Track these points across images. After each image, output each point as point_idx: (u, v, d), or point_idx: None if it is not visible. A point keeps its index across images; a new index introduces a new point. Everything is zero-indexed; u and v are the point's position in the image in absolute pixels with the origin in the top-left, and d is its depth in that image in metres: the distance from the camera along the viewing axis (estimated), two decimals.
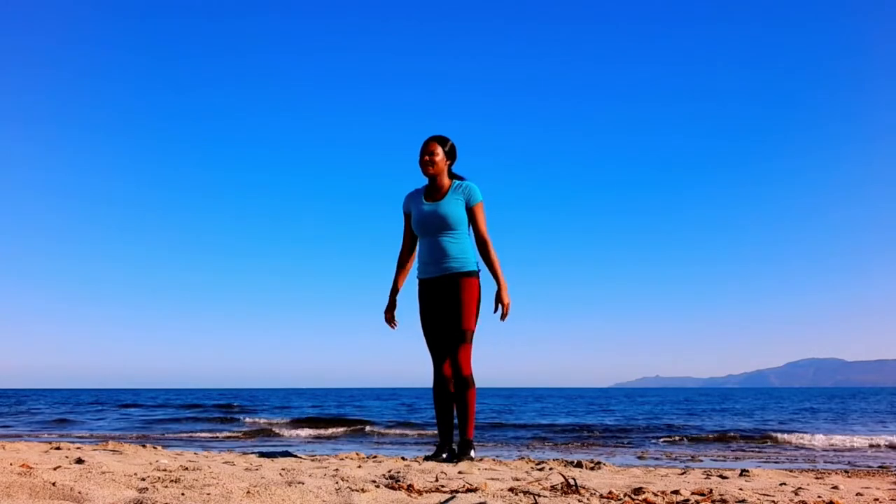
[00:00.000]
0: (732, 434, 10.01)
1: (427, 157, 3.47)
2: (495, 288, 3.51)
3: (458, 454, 3.45)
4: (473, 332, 3.47)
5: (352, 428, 12.02)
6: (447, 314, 3.46)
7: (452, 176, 3.57)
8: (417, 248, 3.64)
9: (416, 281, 3.63)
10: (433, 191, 3.54)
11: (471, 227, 3.53)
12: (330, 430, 11.41)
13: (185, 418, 15.33)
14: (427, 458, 3.49)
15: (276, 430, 11.33)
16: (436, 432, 3.61)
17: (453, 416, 3.59)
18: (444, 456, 3.48)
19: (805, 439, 9.16)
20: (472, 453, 3.49)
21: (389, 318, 3.68)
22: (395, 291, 3.69)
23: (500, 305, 3.48)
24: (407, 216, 3.64)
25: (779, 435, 9.63)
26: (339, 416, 15.42)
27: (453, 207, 3.45)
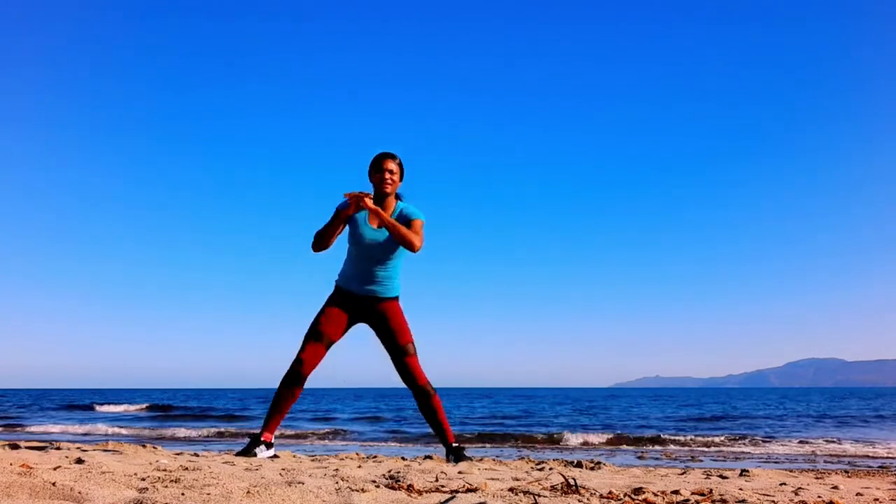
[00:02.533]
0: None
1: (387, 176, 3.39)
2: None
3: (457, 460, 3.41)
4: (413, 343, 3.48)
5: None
6: (388, 338, 3.45)
7: (396, 196, 3.50)
8: (348, 258, 3.51)
9: (333, 284, 3.55)
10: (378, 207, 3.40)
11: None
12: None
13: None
14: (239, 454, 3.35)
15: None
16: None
17: (286, 413, 3.48)
18: (256, 451, 3.34)
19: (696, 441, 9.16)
20: (466, 452, 3.51)
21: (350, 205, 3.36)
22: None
23: (363, 198, 3.31)
24: (340, 217, 3.42)
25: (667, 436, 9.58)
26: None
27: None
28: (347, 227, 3.50)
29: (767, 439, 9.41)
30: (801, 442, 9.02)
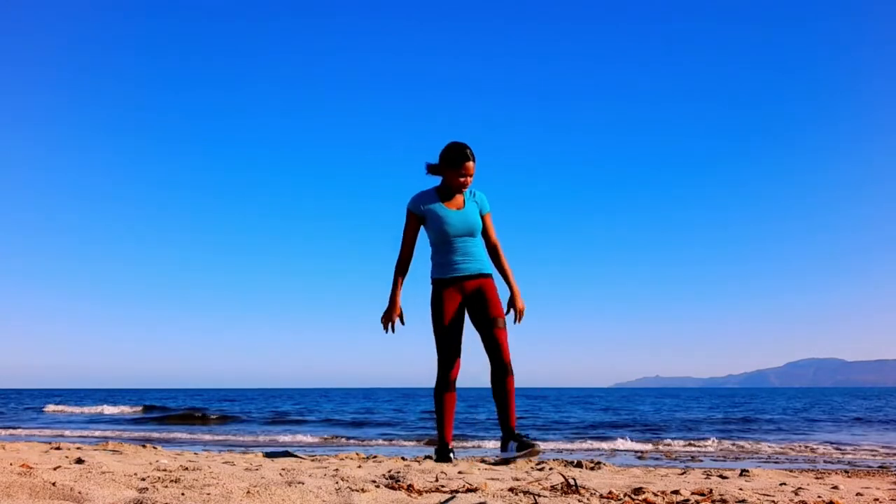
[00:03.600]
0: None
1: (466, 180, 3.54)
2: (508, 294, 3.67)
3: (521, 447, 3.39)
4: (504, 319, 3.57)
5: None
6: (482, 310, 3.55)
7: None
8: (440, 250, 3.62)
9: (430, 282, 3.65)
10: (450, 196, 3.61)
11: (484, 234, 3.69)
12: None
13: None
14: (437, 460, 3.54)
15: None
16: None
17: (453, 417, 3.62)
18: (450, 455, 3.54)
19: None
20: (528, 439, 3.43)
21: (391, 320, 3.62)
22: (397, 294, 3.66)
23: (513, 310, 3.64)
24: (415, 218, 3.61)
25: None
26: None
27: (475, 215, 3.60)
28: (426, 227, 3.62)
29: (765, 439, 9.40)
30: (801, 442, 9.02)
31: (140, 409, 20.47)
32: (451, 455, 3.56)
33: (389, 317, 3.62)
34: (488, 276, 3.63)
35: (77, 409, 20.28)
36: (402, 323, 3.67)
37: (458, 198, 3.60)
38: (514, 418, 3.52)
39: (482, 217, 3.63)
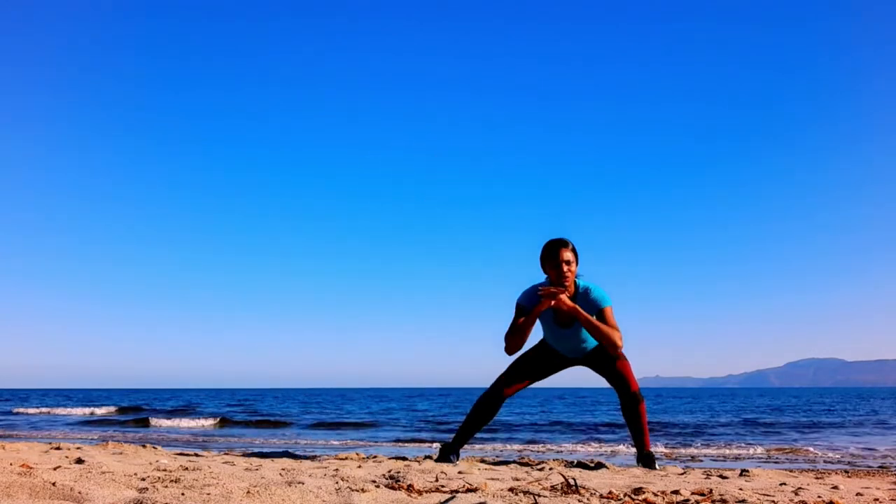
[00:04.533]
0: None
1: (565, 269, 3.27)
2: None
3: (647, 465, 3.42)
4: (622, 348, 3.35)
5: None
6: (597, 355, 3.52)
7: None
8: (547, 341, 3.60)
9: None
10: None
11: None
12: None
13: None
14: (437, 459, 3.56)
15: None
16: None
17: (476, 431, 3.60)
18: (452, 458, 3.53)
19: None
20: (656, 464, 3.46)
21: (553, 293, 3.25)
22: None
23: (556, 294, 3.24)
24: (521, 310, 3.39)
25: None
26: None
27: (583, 337, 3.45)
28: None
29: (764, 439, 9.41)
30: (801, 442, 9.01)
31: (114, 409, 19.15)
32: (452, 458, 3.55)
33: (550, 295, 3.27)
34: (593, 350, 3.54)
35: (46, 410, 19.32)
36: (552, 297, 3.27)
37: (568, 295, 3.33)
38: (647, 440, 3.54)
39: (599, 313, 3.32)
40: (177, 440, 8.85)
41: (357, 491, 1.99)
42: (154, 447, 4.17)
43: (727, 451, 7.46)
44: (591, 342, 3.49)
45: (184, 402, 25.64)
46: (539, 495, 2.01)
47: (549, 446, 8.27)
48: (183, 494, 1.77)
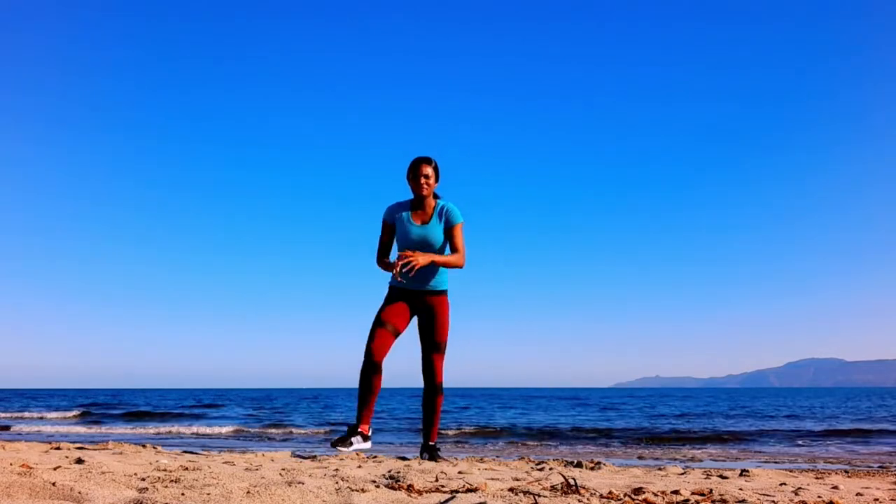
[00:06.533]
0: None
1: (423, 181, 3.59)
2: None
3: (431, 458, 3.70)
4: (446, 343, 3.75)
5: None
6: (427, 329, 3.71)
7: (434, 196, 3.73)
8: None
9: (387, 285, 3.79)
10: (419, 211, 3.69)
11: (448, 245, 3.70)
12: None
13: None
14: (334, 444, 3.56)
15: None
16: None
17: (373, 402, 3.65)
18: (353, 440, 3.55)
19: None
20: (440, 454, 3.79)
21: (394, 268, 3.49)
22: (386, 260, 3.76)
23: (408, 260, 3.43)
24: (387, 226, 3.74)
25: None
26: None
27: (438, 232, 3.66)
28: (396, 230, 3.73)
29: (765, 440, 9.40)
30: (801, 443, 9.02)
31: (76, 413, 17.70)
32: (354, 440, 3.55)
33: (391, 269, 3.60)
34: (440, 293, 3.73)
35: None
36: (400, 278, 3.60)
37: (428, 211, 3.68)
38: (435, 433, 3.82)
39: (449, 229, 3.65)
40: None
41: (357, 491, 1.99)
42: (154, 447, 4.17)
43: (728, 451, 7.46)
44: (438, 240, 3.64)
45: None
46: (539, 495, 2.01)
47: (549, 446, 8.27)
48: (183, 494, 1.77)
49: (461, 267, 3.65)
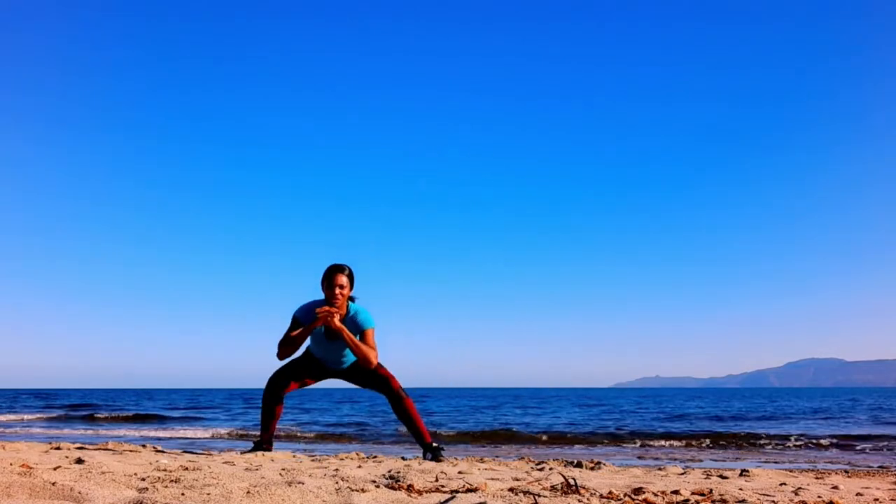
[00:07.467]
0: None
1: (337, 291, 3.60)
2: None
3: (434, 458, 3.68)
4: (379, 362, 3.75)
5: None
6: (351, 372, 3.86)
7: (350, 298, 3.75)
8: (311, 344, 3.83)
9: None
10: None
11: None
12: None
13: None
14: (244, 452, 3.75)
15: None
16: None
17: (275, 425, 3.88)
18: (264, 447, 3.82)
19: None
20: (443, 452, 3.77)
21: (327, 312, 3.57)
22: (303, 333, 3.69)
23: (332, 315, 3.54)
24: (299, 325, 3.68)
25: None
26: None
27: (346, 353, 3.77)
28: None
29: (767, 440, 9.40)
30: (801, 442, 9.01)
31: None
32: (264, 448, 3.81)
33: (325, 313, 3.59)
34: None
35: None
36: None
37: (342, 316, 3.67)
38: (426, 433, 3.79)
39: (361, 334, 3.67)
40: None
41: (357, 491, 1.99)
42: (154, 447, 4.17)
43: (728, 451, 7.46)
44: (351, 358, 3.81)
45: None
46: (539, 495, 2.01)
47: (549, 446, 8.27)
48: (183, 494, 1.77)
49: (370, 364, 3.65)
